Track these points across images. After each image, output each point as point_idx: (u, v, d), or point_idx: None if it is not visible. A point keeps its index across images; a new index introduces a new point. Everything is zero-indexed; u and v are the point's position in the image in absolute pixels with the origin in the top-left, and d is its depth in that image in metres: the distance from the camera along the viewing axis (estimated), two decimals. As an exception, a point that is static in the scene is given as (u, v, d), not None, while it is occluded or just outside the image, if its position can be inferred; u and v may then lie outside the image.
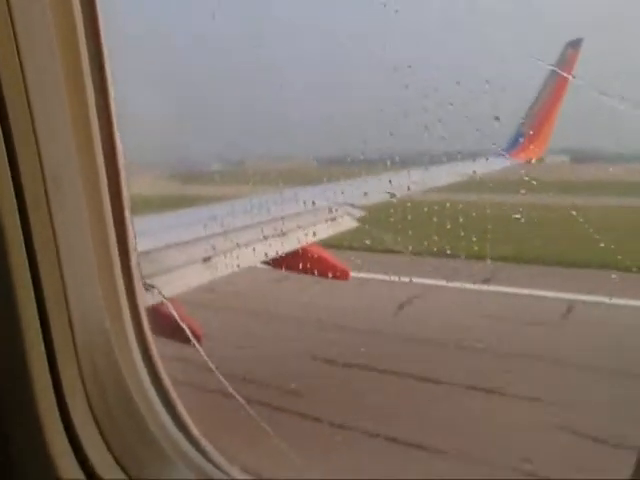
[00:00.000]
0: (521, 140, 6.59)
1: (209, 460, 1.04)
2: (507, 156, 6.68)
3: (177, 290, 3.92)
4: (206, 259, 4.25)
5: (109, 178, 0.94)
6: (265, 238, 4.25)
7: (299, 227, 4.58)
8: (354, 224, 5.00)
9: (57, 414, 0.86)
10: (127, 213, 1.00)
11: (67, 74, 0.84)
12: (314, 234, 4.60)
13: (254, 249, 4.22)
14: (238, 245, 4.22)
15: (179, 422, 1.06)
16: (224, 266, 4.28)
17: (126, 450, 0.94)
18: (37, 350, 0.82)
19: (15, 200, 0.77)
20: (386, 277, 6.32)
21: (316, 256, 4.57)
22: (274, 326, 6.10)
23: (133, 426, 0.97)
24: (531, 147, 6.62)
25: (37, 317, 0.82)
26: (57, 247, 0.83)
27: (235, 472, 1.05)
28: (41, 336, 0.83)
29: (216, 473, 1.01)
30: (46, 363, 0.84)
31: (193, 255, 4.21)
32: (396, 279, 6.58)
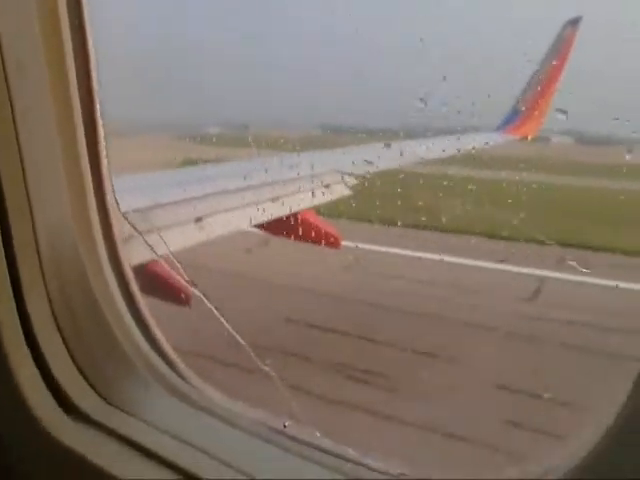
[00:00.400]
0: (516, 117, 6.59)
1: (183, 379, 1.01)
2: (502, 133, 6.73)
3: (167, 249, 3.90)
4: (198, 220, 4.22)
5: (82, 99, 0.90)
6: (259, 202, 4.23)
7: (292, 193, 4.55)
8: (347, 192, 4.99)
9: (22, 337, 0.84)
10: (100, 134, 0.96)
11: None
12: (307, 200, 4.59)
13: (247, 212, 4.21)
14: (230, 208, 4.19)
15: (152, 341, 1.03)
16: (215, 228, 4.26)
17: (98, 372, 0.92)
18: (3, 281, 0.81)
19: None
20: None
21: (308, 222, 4.57)
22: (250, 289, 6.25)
23: (104, 344, 0.94)
24: (526, 125, 6.63)
25: (1, 244, 0.80)
26: (22, 158, 0.80)
27: (210, 391, 1.02)
28: (3, 252, 0.81)
29: (191, 391, 0.98)
30: (8, 280, 0.82)
31: (185, 215, 4.17)
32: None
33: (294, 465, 0.77)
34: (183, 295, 4.10)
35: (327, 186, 4.75)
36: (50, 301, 0.87)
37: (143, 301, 1.03)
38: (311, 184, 4.54)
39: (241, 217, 4.22)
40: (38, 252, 0.85)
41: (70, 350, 0.89)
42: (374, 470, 0.76)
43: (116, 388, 0.92)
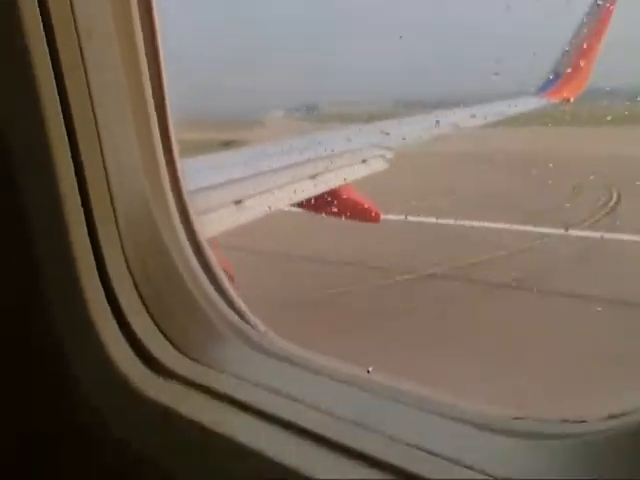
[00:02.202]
0: (557, 79, 6.30)
1: (256, 330, 1.01)
2: (541, 96, 6.44)
3: (209, 232, 3.97)
4: (237, 202, 4.25)
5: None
6: (299, 180, 4.22)
7: (328, 170, 4.53)
8: (384, 166, 4.92)
9: (103, 295, 0.85)
10: (168, 108, 0.96)
11: None
12: (343, 175, 4.56)
13: (287, 191, 4.20)
14: (270, 189, 4.20)
15: (223, 294, 1.03)
16: (255, 209, 4.28)
17: (173, 324, 0.93)
18: (78, 224, 0.82)
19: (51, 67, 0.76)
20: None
21: (347, 198, 4.53)
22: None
23: (179, 300, 0.96)
24: (568, 86, 6.34)
25: (77, 191, 0.81)
26: (95, 116, 0.81)
27: (284, 342, 1.01)
28: (82, 212, 0.82)
29: (266, 342, 0.97)
30: (87, 238, 0.83)
31: (225, 197, 4.21)
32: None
33: (395, 410, 0.75)
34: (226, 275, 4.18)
35: (364, 161, 4.70)
36: (126, 259, 0.88)
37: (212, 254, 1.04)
38: (349, 159, 4.51)
39: (280, 197, 4.22)
40: (115, 213, 0.86)
41: (147, 307, 0.90)
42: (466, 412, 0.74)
43: (194, 342, 0.92)
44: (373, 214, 4.66)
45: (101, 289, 0.86)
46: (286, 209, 4.68)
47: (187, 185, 0.99)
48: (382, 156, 4.83)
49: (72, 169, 0.80)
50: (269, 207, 4.33)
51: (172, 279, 0.94)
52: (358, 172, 4.58)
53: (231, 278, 4.34)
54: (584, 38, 6.50)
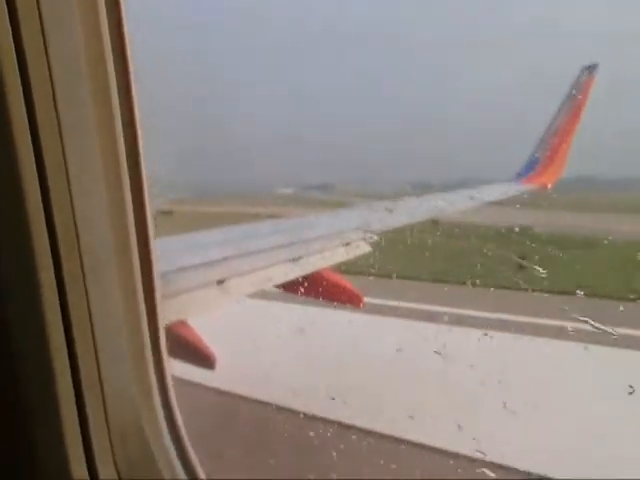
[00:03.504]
0: (535, 167, 6.57)
1: None
2: (520, 183, 6.69)
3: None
4: (220, 282, 4.24)
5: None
6: (283, 262, 4.24)
7: (318, 251, 4.57)
8: (367, 249, 4.99)
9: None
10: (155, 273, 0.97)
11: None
12: (328, 259, 4.59)
13: (269, 272, 4.21)
14: (253, 269, 4.21)
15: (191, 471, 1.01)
16: (238, 289, 4.26)
17: None
18: (70, 418, 0.82)
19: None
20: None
21: (330, 281, 4.54)
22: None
23: None
24: (545, 174, 6.60)
25: (68, 365, 0.80)
26: (91, 318, 0.82)
27: None
28: (73, 396, 0.82)
29: None
30: (79, 429, 0.83)
31: (208, 277, 4.20)
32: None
33: None
34: (208, 357, 4.08)
35: (348, 244, 4.76)
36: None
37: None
38: (333, 242, 4.56)
39: (262, 278, 4.22)
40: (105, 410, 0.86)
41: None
42: None
43: None
44: (354, 298, 4.66)
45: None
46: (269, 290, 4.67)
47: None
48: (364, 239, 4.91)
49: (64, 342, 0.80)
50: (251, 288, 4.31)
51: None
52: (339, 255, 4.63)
53: (211, 360, 4.16)
54: (558, 128, 6.86)
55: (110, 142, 0.86)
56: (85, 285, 0.81)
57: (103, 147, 0.84)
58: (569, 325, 5.44)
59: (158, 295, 0.97)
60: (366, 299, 4.91)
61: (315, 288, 4.38)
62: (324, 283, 4.45)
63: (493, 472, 3.88)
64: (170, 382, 1.01)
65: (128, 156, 0.89)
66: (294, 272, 4.25)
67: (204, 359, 4.06)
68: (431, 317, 6.89)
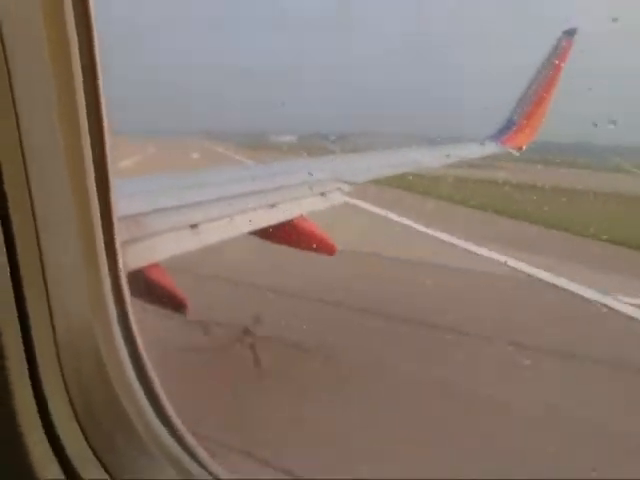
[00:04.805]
0: (511, 128, 6.64)
1: (195, 459, 1.01)
2: (497, 143, 6.77)
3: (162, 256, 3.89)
4: (193, 226, 4.19)
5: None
6: (258, 208, 4.22)
7: (293, 199, 4.55)
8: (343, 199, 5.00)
9: (37, 415, 0.82)
10: (113, 203, 0.93)
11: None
12: (303, 206, 4.59)
13: (245, 218, 4.19)
14: (229, 214, 4.17)
15: (164, 418, 1.02)
16: (211, 234, 4.23)
17: (108, 448, 0.91)
18: (16, 350, 0.78)
19: None
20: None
21: (304, 229, 4.56)
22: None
23: (116, 423, 0.94)
24: (520, 135, 6.69)
25: (16, 316, 0.77)
26: (38, 240, 0.79)
27: (221, 472, 1.02)
28: (20, 335, 0.79)
29: (202, 473, 0.99)
30: (25, 362, 0.80)
31: (181, 221, 4.14)
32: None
33: None
34: (180, 302, 4.07)
35: (323, 194, 4.76)
36: (63, 374, 0.86)
37: (154, 374, 1.02)
38: (309, 190, 4.55)
39: (239, 224, 4.19)
40: (55, 336, 0.83)
41: (80, 422, 0.88)
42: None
43: (125, 464, 0.91)
44: (326, 247, 4.70)
45: (32, 396, 0.82)
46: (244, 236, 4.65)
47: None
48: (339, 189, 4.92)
49: (12, 295, 0.77)
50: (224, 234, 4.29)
51: (108, 396, 0.92)
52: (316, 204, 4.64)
53: (183, 305, 4.17)
54: (536, 91, 6.91)
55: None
56: (35, 218, 0.78)
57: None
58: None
59: (115, 225, 0.94)
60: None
61: (290, 236, 4.40)
62: (299, 231, 4.46)
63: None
64: (132, 315, 1.00)
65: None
66: (270, 218, 4.25)
67: (175, 304, 4.05)
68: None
